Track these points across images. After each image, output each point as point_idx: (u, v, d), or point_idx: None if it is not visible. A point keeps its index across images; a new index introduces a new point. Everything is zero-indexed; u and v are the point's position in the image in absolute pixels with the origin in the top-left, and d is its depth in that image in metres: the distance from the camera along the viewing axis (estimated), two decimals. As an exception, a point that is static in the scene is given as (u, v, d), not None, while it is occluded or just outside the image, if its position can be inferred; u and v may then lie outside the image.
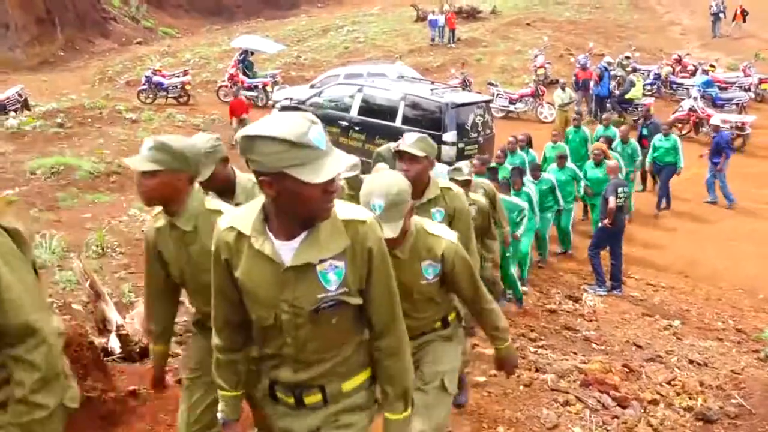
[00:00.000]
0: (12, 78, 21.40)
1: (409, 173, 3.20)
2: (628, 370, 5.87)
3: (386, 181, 2.57)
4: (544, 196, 8.82)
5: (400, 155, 3.30)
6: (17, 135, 13.24)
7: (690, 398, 5.51)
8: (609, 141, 11.01)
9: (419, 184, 3.24)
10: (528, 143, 10.66)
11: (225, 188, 3.28)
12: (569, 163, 9.84)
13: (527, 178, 8.70)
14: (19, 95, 16.82)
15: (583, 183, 9.74)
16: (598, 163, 9.70)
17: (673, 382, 5.81)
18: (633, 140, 11.38)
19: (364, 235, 1.92)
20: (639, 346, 6.81)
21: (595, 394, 5.16)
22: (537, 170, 9.03)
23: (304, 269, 1.87)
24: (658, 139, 11.61)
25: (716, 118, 13.69)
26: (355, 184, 4.40)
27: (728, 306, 8.55)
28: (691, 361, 6.52)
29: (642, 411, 5.10)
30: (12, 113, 16.09)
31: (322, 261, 1.87)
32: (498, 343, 3.02)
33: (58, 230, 7.59)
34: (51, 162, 10.74)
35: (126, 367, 4.19)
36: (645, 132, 12.29)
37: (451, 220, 3.31)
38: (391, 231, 2.46)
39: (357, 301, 1.98)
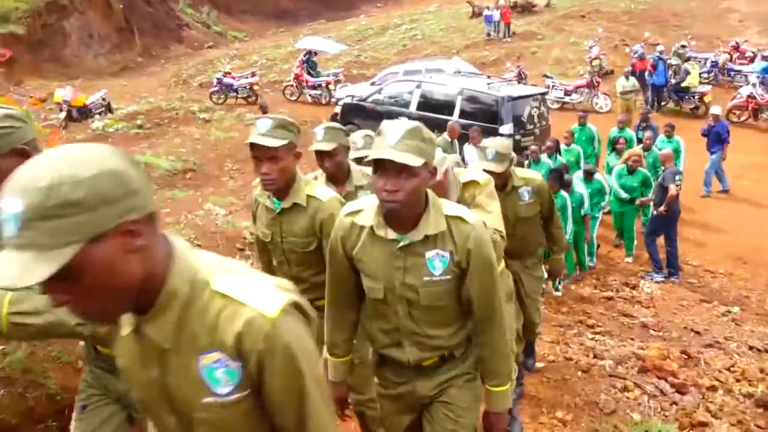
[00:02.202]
0: (96, 84, 22.14)
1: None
2: (686, 357, 5.71)
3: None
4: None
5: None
6: (102, 136, 13.72)
7: (750, 385, 5.31)
8: (626, 142, 10.12)
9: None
10: (556, 149, 9.49)
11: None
12: (597, 176, 8.62)
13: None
14: (103, 99, 17.41)
15: (607, 198, 8.57)
16: (632, 171, 8.68)
17: (732, 369, 5.61)
18: (656, 149, 9.84)
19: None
20: (697, 332, 6.61)
21: (653, 380, 5.04)
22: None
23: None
24: (660, 141, 10.46)
25: (716, 108, 12.57)
26: None
27: (789, 292, 8.20)
28: (750, 348, 6.29)
29: (700, 397, 4.96)
30: (97, 116, 16.68)
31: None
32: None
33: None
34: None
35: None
36: (641, 136, 10.82)
37: None
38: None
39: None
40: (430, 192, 2.13)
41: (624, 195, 8.67)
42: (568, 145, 10.21)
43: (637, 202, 8.82)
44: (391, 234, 2.10)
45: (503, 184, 3.96)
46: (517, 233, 3.96)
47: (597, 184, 8.39)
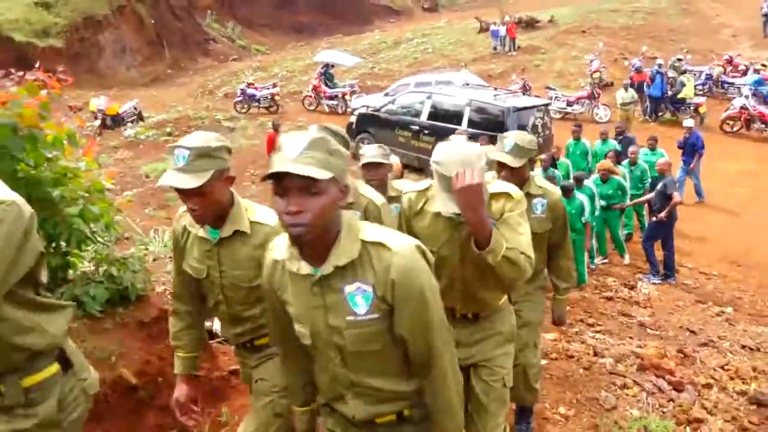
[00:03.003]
0: (129, 94, 22.30)
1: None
2: (682, 355, 5.64)
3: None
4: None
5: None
6: (134, 143, 13.84)
7: (743, 383, 5.24)
8: (616, 154, 9.68)
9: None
10: (552, 163, 9.14)
11: None
12: (587, 182, 8.28)
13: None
14: (135, 108, 17.55)
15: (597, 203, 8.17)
16: (605, 180, 8.54)
17: (726, 367, 5.54)
18: (642, 163, 9.55)
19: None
20: (692, 332, 6.54)
21: (651, 378, 4.99)
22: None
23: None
24: (644, 154, 10.05)
25: (689, 121, 12.21)
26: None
27: (781, 294, 8.10)
28: (743, 347, 6.21)
29: (696, 394, 4.90)
30: (129, 124, 16.83)
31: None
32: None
33: (169, 226, 7.88)
34: (162, 167, 11.18)
35: (228, 349, 4.31)
36: (621, 148, 10.42)
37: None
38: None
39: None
40: (346, 215, 1.70)
41: (602, 202, 8.37)
42: (558, 159, 9.98)
43: (615, 207, 8.63)
44: (305, 268, 1.69)
45: (518, 186, 3.33)
46: None
47: (587, 191, 8.02)
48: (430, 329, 1.73)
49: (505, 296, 2.68)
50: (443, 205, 2.29)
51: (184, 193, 2.08)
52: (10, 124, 2.84)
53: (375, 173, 3.69)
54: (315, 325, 1.73)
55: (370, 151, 3.71)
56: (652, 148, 10.22)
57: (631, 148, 9.84)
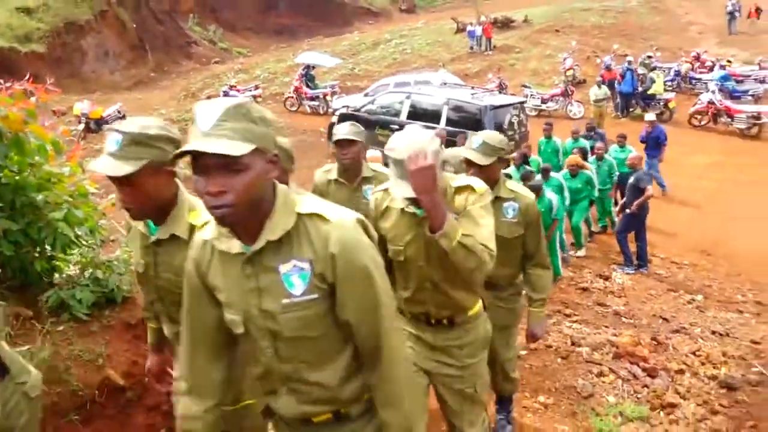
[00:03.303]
0: (112, 97, 22.01)
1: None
2: (656, 343, 5.73)
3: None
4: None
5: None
6: (118, 146, 13.62)
7: (714, 367, 5.34)
8: (583, 152, 9.50)
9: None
10: (524, 161, 8.92)
11: None
12: (555, 175, 8.24)
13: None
14: (119, 112, 17.34)
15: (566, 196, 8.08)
16: (574, 175, 8.52)
17: (697, 353, 5.63)
18: (609, 158, 9.54)
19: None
20: (665, 319, 6.62)
21: (626, 365, 5.06)
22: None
23: None
24: (614, 150, 10.00)
25: (650, 115, 12.15)
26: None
27: (747, 281, 8.23)
28: (713, 332, 6.31)
29: (669, 380, 4.98)
30: (113, 128, 16.59)
31: None
32: None
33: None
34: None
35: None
36: (592, 144, 10.30)
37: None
38: None
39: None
40: (281, 188, 1.51)
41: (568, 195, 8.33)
42: (529, 156, 9.71)
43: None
44: (236, 247, 1.51)
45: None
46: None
47: (555, 182, 7.95)
48: (377, 309, 1.54)
49: (480, 303, 2.60)
50: (397, 189, 2.19)
51: (115, 182, 1.84)
52: (-4, 130, 2.81)
53: (347, 151, 3.51)
54: (247, 310, 1.53)
55: (342, 129, 3.52)
56: (621, 145, 10.17)
57: (598, 144, 9.85)
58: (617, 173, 9.34)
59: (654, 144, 11.37)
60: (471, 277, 2.25)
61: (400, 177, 2.18)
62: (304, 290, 1.49)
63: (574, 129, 10.80)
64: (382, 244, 2.28)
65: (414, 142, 2.12)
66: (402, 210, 2.36)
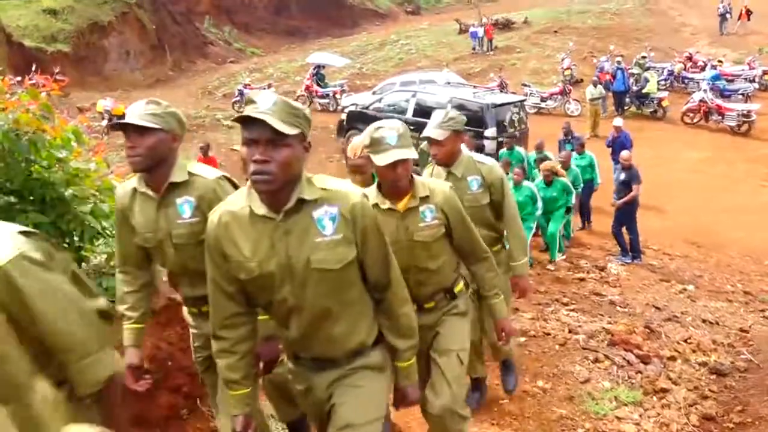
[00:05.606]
0: (133, 95, 21.97)
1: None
2: (649, 330, 5.70)
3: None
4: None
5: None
6: (139, 141, 13.63)
7: (704, 354, 5.33)
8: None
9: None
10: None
11: None
12: (528, 183, 7.60)
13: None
14: (140, 109, 17.35)
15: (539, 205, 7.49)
16: (549, 183, 8.00)
17: (689, 341, 5.62)
18: (574, 167, 8.97)
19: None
20: (658, 308, 6.60)
21: (620, 352, 5.05)
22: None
23: None
24: (573, 158, 9.29)
25: (618, 120, 11.56)
26: None
27: (737, 271, 8.21)
28: (704, 321, 6.29)
29: (662, 366, 4.96)
30: (134, 124, 16.61)
31: None
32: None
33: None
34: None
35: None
36: (569, 148, 9.94)
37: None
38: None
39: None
40: (305, 173, 1.71)
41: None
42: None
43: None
44: (268, 212, 1.70)
45: (448, 162, 3.17)
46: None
47: (527, 191, 7.39)
48: (389, 264, 1.84)
49: (462, 283, 2.65)
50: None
51: (131, 131, 2.14)
52: (12, 131, 2.81)
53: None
54: (278, 261, 1.69)
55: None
56: (580, 153, 9.63)
57: (562, 153, 9.30)
58: (581, 185, 8.94)
59: (620, 149, 10.28)
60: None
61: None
62: (333, 230, 1.70)
63: (538, 142, 9.73)
64: None
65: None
66: (375, 205, 2.31)
